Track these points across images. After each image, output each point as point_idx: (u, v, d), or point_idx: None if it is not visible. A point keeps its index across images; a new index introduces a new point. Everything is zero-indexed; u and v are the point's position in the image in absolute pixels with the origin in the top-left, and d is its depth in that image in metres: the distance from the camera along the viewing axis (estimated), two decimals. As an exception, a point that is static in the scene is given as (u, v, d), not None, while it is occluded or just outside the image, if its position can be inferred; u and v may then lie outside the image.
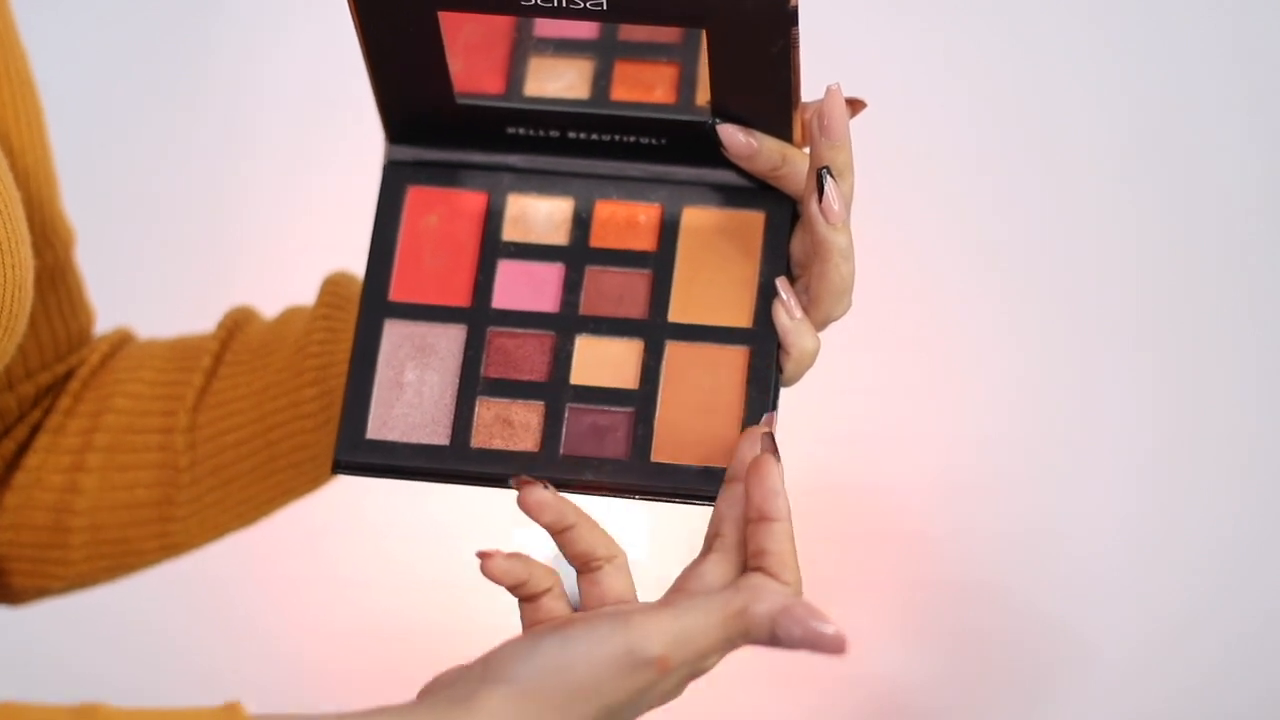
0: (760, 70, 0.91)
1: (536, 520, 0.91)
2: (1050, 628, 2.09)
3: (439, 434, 0.94)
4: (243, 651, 2.06)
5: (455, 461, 0.93)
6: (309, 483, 1.09)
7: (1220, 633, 2.09)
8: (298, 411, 1.05)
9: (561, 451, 0.93)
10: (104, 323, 1.15)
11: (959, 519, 2.09)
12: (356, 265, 1.06)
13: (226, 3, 2.08)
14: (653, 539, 1.99)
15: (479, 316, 0.95)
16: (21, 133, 1.04)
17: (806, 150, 0.95)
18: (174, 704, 2.16)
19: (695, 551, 2.14)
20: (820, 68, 2.15)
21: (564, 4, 0.88)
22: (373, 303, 0.95)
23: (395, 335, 0.95)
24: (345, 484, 1.08)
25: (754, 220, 0.96)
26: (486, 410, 0.94)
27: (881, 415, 2.08)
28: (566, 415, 0.93)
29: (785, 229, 0.95)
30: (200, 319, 1.22)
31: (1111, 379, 2.10)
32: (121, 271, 1.86)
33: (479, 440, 0.93)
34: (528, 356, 0.95)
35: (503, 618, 2.03)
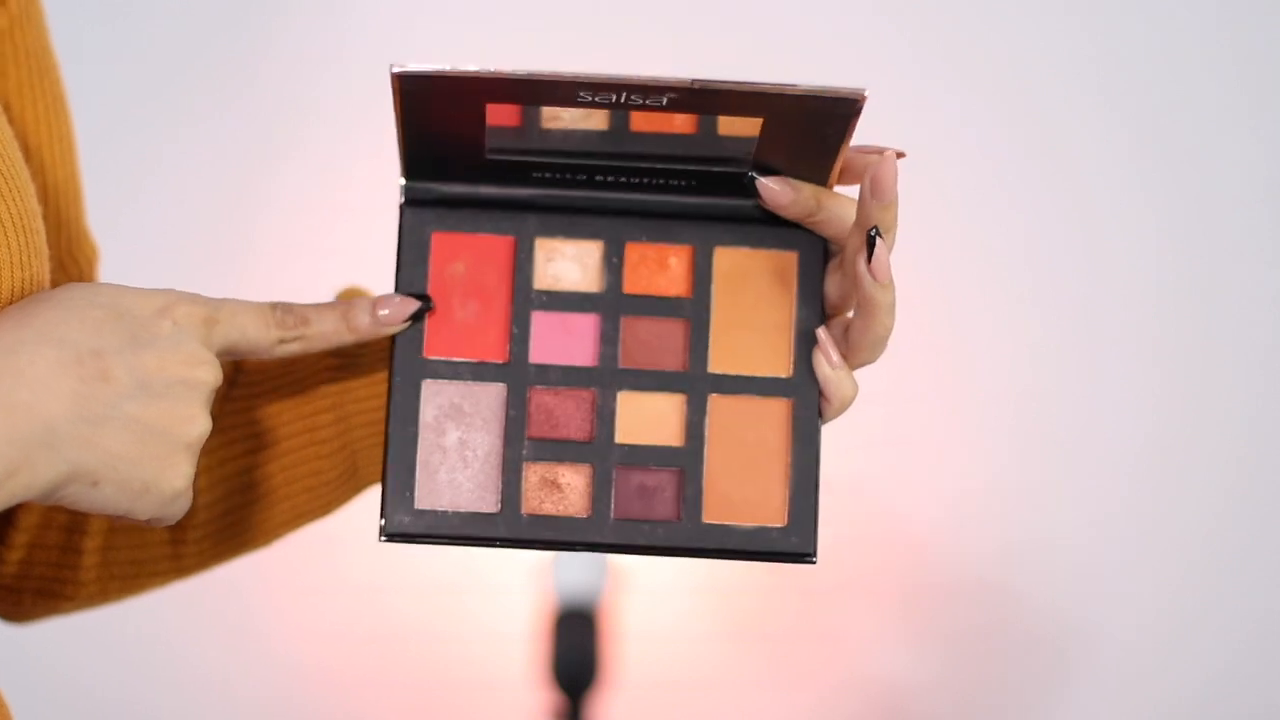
0: (813, 143, 0.90)
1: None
2: (1051, 632, 2.11)
3: (488, 501, 0.92)
4: (246, 656, 2.05)
5: (507, 529, 0.92)
6: (323, 507, 1.08)
7: (1221, 636, 2.12)
8: (313, 437, 1.05)
9: (613, 516, 0.92)
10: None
11: (961, 523, 2.11)
12: (372, 278, 1.05)
13: (249, 19, 2.05)
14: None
15: (518, 373, 0.94)
16: (53, 148, 1.03)
17: (838, 189, 0.94)
18: (171, 708, 2.15)
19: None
20: (825, 70, 2.15)
21: (623, 100, 0.87)
22: (408, 361, 0.94)
23: (434, 395, 0.94)
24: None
25: (787, 261, 0.95)
26: (533, 473, 0.93)
27: (884, 420, 2.09)
28: (614, 476, 0.93)
29: (818, 269, 0.94)
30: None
31: (1113, 385, 2.11)
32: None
33: (529, 506, 0.92)
34: (569, 414, 0.93)
35: (504, 622, 2.05)
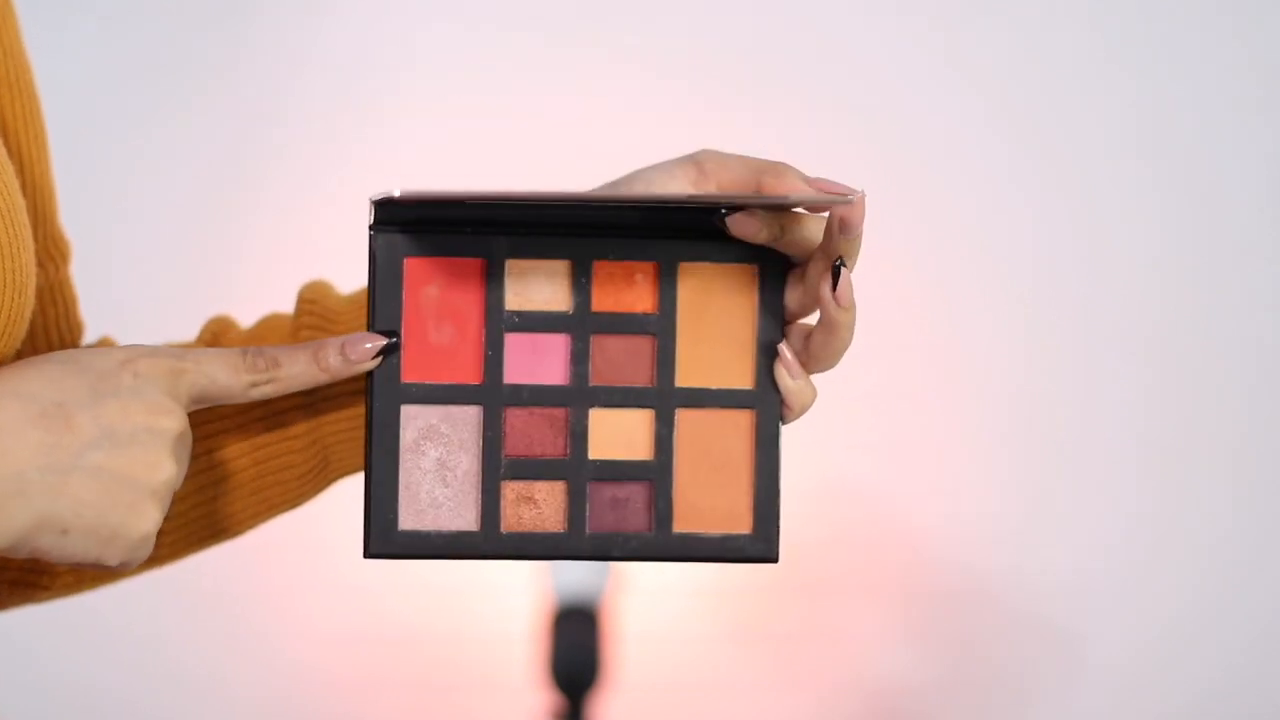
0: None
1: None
2: (1052, 635, 2.13)
3: (467, 519, 0.97)
4: (245, 658, 2.07)
5: (487, 546, 0.96)
6: (294, 498, 1.11)
7: (1220, 641, 2.14)
8: (284, 433, 1.07)
9: (588, 529, 0.97)
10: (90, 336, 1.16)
11: (961, 524, 2.12)
12: (354, 279, 1.07)
13: (233, 21, 2.07)
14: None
15: (493, 395, 0.97)
16: (31, 146, 1.06)
17: (798, 211, 0.97)
18: (172, 710, 2.17)
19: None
20: (829, 71, 2.15)
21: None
22: (386, 387, 0.97)
23: (413, 419, 0.97)
24: (345, 488, 1.11)
25: (747, 274, 0.98)
26: (510, 491, 0.97)
27: (884, 422, 2.10)
28: (588, 492, 0.97)
29: (778, 280, 0.98)
30: (186, 330, 1.22)
31: (1112, 386, 2.13)
32: (108, 284, 1.85)
33: (508, 523, 0.96)
34: (543, 432, 0.97)
35: (504, 622, 2.07)
